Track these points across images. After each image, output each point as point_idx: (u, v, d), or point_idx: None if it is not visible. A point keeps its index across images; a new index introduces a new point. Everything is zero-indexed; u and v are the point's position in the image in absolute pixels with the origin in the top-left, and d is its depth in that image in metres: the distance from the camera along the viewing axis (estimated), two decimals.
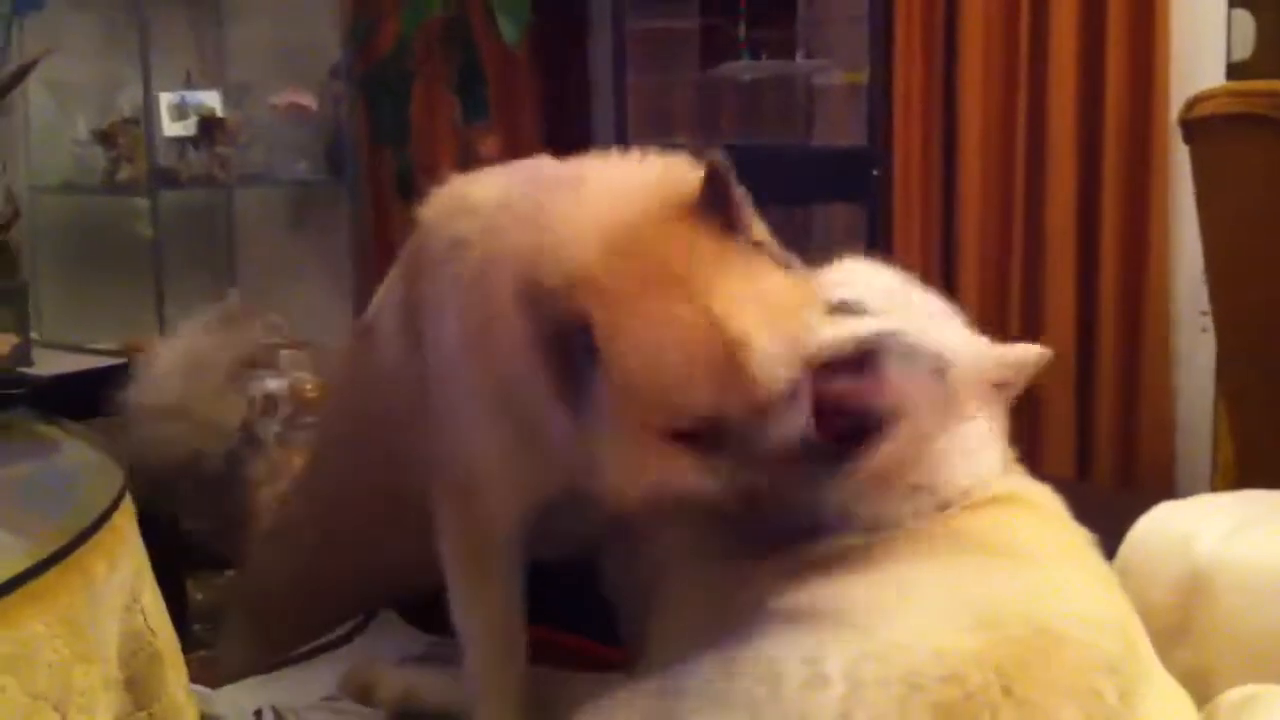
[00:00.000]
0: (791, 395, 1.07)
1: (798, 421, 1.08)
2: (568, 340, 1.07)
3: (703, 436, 1.07)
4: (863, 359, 1.15)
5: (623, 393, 1.06)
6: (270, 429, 1.74)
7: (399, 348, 1.33)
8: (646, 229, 1.09)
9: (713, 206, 1.10)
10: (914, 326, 1.20)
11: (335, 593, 1.60)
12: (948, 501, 1.19)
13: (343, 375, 1.62)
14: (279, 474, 1.69)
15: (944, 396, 1.18)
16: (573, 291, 1.06)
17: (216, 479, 1.61)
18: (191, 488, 1.59)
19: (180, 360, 1.61)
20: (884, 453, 1.16)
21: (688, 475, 1.09)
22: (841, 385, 1.13)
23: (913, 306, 1.26)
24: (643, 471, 1.10)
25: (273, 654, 1.58)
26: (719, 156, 1.12)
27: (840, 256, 1.33)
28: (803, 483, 1.15)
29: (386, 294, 1.39)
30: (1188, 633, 1.25)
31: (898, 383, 1.15)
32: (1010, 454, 1.28)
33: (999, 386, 1.25)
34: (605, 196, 1.13)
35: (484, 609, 1.33)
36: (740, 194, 1.11)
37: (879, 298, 1.24)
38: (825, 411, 1.11)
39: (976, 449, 1.22)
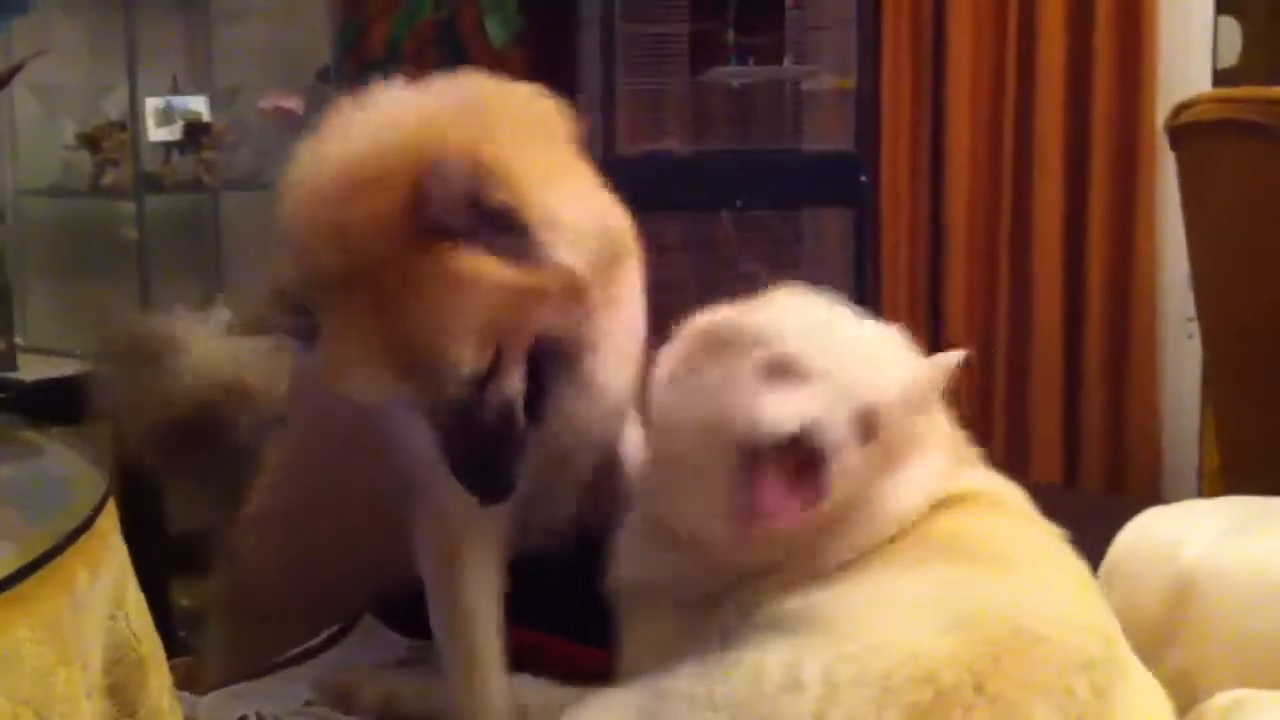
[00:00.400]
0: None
1: (512, 387, 1.16)
2: None
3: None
4: (802, 454, 1.09)
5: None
6: None
7: None
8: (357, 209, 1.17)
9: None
10: (845, 376, 1.13)
11: (317, 592, 1.59)
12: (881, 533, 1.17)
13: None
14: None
15: (872, 458, 1.15)
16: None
17: (234, 449, 1.61)
18: (207, 453, 1.59)
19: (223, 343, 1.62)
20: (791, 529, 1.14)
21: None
22: (775, 486, 1.10)
23: (841, 346, 1.17)
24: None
25: (253, 659, 1.57)
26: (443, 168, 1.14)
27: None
28: None
29: None
30: (1175, 637, 1.25)
31: (832, 470, 1.11)
32: (971, 450, 1.28)
33: (926, 399, 1.20)
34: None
35: (460, 607, 1.32)
36: (457, 202, 1.14)
37: (812, 344, 1.16)
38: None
39: (906, 484, 1.18)
